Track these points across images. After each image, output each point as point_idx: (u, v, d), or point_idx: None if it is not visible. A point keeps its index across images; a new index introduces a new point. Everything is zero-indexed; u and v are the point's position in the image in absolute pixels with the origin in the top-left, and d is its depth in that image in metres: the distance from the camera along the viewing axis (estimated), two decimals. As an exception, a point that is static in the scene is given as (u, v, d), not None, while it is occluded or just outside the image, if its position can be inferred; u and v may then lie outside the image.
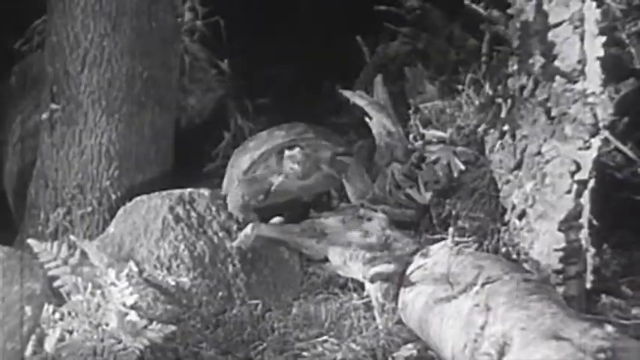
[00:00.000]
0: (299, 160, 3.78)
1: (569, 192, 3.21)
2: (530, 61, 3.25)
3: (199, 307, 3.46)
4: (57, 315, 3.20)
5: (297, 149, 3.80)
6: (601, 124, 3.18)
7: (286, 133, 3.92)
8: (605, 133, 3.30)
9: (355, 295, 3.58)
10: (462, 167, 3.78)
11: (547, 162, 3.24)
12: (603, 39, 3.14)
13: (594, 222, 3.32)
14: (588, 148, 3.18)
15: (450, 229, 3.38)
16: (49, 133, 4.02)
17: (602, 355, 2.44)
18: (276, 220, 3.70)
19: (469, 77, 4.27)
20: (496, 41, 4.33)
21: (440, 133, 4.01)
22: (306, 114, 5.37)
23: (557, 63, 3.19)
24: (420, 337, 3.20)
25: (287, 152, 3.80)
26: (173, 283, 3.47)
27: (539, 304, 2.74)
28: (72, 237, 3.69)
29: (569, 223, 3.24)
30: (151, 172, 4.09)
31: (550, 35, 3.19)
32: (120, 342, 3.04)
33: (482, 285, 2.92)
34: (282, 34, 5.59)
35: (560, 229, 3.23)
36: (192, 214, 3.66)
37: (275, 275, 3.64)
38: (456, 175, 3.80)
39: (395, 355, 3.23)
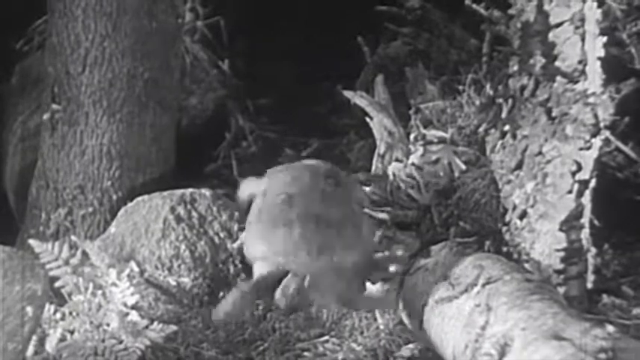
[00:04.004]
0: (288, 295, 3.10)
1: (570, 192, 3.22)
2: (531, 61, 3.25)
3: (200, 307, 3.47)
4: (58, 315, 3.20)
5: (291, 277, 3.13)
6: (602, 124, 3.18)
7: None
8: (606, 133, 3.30)
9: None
10: (463, 167, 3.78)
11: (548, 162, 3.24)
12: (604, 39, 3.15)
13: (595, 222, 3.32)
14: (589, 148, 3.18)
15: (451, 230, 3.39)
16: (50, 134, 4.02)
17: (603, 356, 2.44)
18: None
19: (470, 77, 4.27)
20: (497, 41, 4.34)
21: (441, 133, 4.02)
22: (306, 114, 5.40)
23: (557, 63, 3.19)
24: (422, 337, 3.20)
25: (285, 280, 3.13)
26: (174, 283, 3.47)
27: (540, 304, 2.73)
28: (73, 237, 3.70)
29: (570, 223, 3.24)
30: (152, 173, 4.09)
31: (551, 35, 3.20)
32: (121, 342, 3.04)
33: (483, 285, 2.91)
34: (282, 34, 5.60)
35: (561, 229, 3.24)
36: (194, 214, 3.66)
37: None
38: (456, 175, 3.80)
39: (396, 355, 3.23)
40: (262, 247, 3.14)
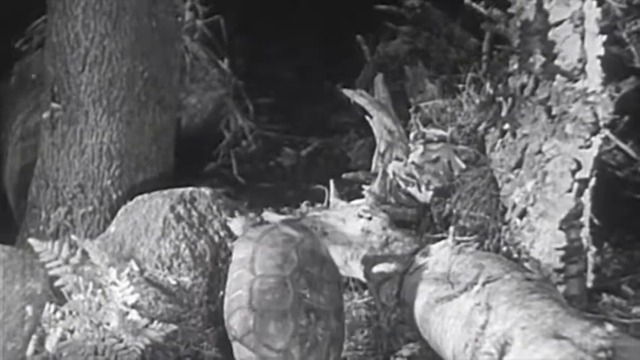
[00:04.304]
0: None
1: (570, 191, 3.22)
2: (531, 59, 3.26)
3: (200, 306, 3.47)
4: (58, 314, 3.19)
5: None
6: (601, 123, 3.18)
7: None
8: (606, 132, 3.31)
9: (356, 295, 3.58)
10: (463, 166, 3.78)
11: (548, 161, 3.24)
12: (604, 38, 3.15)
13: (595, 221, 3.32)
14: (589, 146, 3.18)
15: (451, 228, 3.39)
16: (50, 133, 4.02)
17: (602, 355, 2.44)
18: (276, 218, 3.70)
19: (469, 76, 4.27)
20: (496, 40, 4.34)
21: (440, 132, 4.02)
22: (306, 113, 5.41)
23: (557, 62, 3.19)
24: (422, 336, 3.20)
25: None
26: (174, 282, 3.47)
27: (540, 303, 2.74)
28: (73, 236, 3.69)
29: (570, 222, 3.24)
30: (152, 172, 4.09)
31: (550, 34, 3.20)
32: (121, 341, 3.04)
33: (483, 284, 2.92)
34: (282, 33, 5.60)
35: (561, 228, 3.24)
36: (194, 213, 3.66)
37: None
38: (456, 173, 3.80)
39: (396, 354, 3.23)
40: (252, 338, 3.01)
